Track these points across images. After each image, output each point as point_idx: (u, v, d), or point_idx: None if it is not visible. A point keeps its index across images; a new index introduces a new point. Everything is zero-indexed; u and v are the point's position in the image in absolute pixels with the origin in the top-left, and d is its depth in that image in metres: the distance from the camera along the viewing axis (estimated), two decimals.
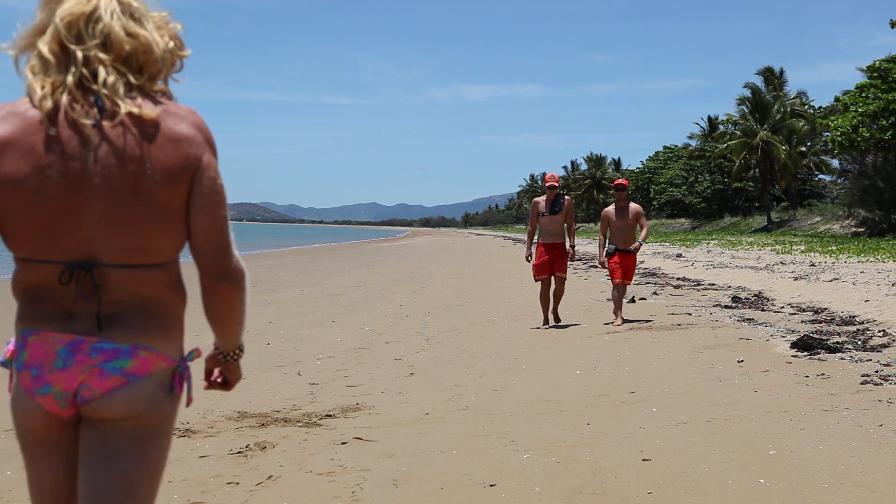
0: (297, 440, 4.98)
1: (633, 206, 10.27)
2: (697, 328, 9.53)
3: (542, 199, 10.16)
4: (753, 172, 61.23)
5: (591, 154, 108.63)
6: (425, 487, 4.08)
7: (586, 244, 38.80)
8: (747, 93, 55.59)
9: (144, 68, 1.72)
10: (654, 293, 14.08)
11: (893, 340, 8.09)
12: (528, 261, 10.27)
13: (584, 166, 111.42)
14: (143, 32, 1.71)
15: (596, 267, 22.75)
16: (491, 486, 4.07)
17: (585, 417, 5.42)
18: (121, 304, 1.71)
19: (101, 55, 1.66)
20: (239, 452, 4.68)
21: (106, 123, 1.65)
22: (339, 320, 11.18)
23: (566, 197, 10.10)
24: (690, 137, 76.70)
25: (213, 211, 1.73)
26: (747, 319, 10.22)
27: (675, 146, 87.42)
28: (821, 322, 9.82)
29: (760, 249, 25.96)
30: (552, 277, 10.02)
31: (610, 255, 10.20)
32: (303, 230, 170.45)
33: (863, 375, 6.44)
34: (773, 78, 59.62)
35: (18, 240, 1.68)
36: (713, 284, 15.85)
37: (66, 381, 1.68)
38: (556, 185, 10.10)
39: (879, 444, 4.57)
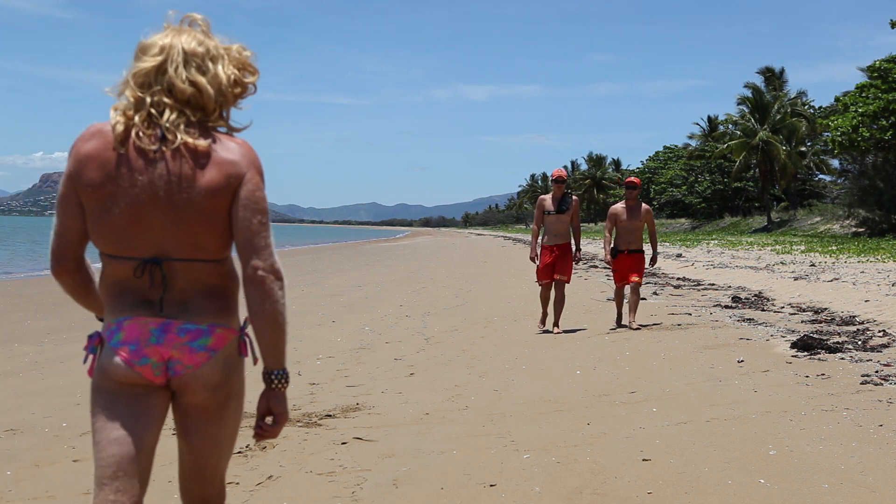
0: (297, 440, 4.98)
1: (644, 206, 9.95)
2: (697, 328, 9.53)
3: (548, 197, 9.71)
4: (753, 172, 61.22)
5: (591, 154, 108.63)
6: (425, 487, 4.08)
7: (586, 244, 38.79)
8: (747, 93, 55.58)
9: (204, 107, 2.12)
10: (655, 293, 14.08)
11: (893, 340, 8.08)
12: (534, 261, 9.82)
13: (584, 166, 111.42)
14: (201, 79, 2.10)
15: (596, 266, 22.75)
16: (491, 486, 4.07)
17: (585, 417, 5.42)
18: (190, 292, 2.11)
19: (166, 99, 2.08)
20: (239, 452, 4.68)
21: (166, 150, 2.06)
22: (339, 320, 11.18)
23: (574, 196, 9.71)
24: (690, 137, 76.71)
25: (250, 217, 2.09)
26: (747, 319, 10.22)
27: (675, 146, 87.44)
28: (821, 322, 9.82)
29: (760, 249, 25.96)
30: (554, 281, 9.57)
31: (612, 256, 9.94)
32: (303, 230, 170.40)
33: (863, 375, 6.43)
34: (773, 78, 59.61)
35: (103, 239, 2.09)
36: (713, 284, 15.85)
37: (159, 354, 2.08)
38: (564, 178, 9.64)
39: (879, 444, 4.56)
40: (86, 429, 5.34)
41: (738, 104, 56.21)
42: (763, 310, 11.36)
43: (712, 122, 73.28)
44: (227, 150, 2.11)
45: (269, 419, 2.26)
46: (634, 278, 9.80)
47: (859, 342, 8.08)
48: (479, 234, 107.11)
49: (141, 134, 2.06)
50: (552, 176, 9.77)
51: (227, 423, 2.23)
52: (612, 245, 10.04)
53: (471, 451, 4.69)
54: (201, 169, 2.06)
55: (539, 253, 9.73)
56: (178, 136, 2.06)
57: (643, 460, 4.40)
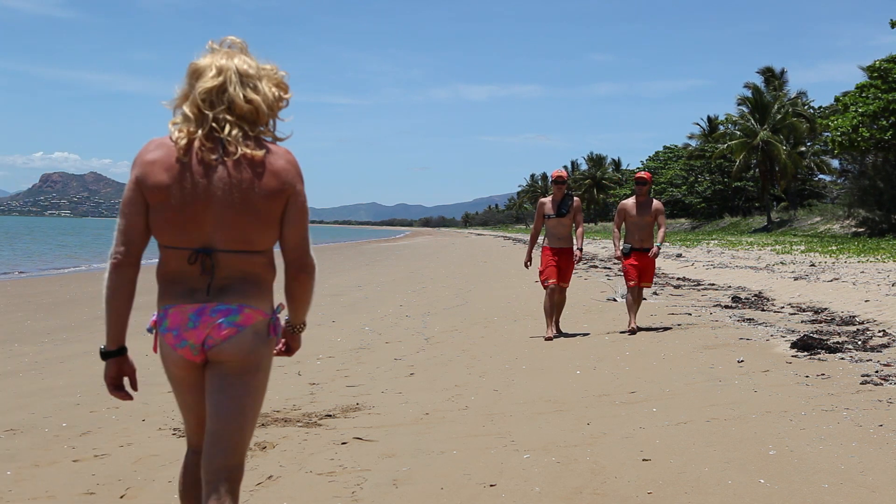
0: (297, 440, 4.98)
1: (655, 202, 9.67)
2: (697, 328, 9.53)
3: (548, 200, 9.47)
4: (753, 172, 61.19)
5: (591, 154, 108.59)
6: (425, 487, 4.08)
7: (586, 244, 38.79)
8: (747, 93, 55.52)
9: (257, 121, 2.46)
10: (655, 293, 14.08)
11: (893, 340, 8.09)
12: (527, 267, 9.76)
13: (584, 166, 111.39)
14: (257, 97, 2.44)
15: (596, 266, 22.75)
16: (491, 486, 4.07)
17: (585, 417, 5.42)
18: (231, 279, 2.45)
19: (227, 116, 2.42)
20: None
21: (227, 159, 2.41)
22: (339, 320, 11.18)
23: (575, 198, 9.47)
24: (690, 137, 76.58)
25: (300, 225, 2.51)
26: (747, 319, 10.22)
27: (675, 146, 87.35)
28: (821, 322, 9.82)
29: (760, 249, 25.96)
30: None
31: (625, 254, 9.61)
32: None
33: (863, 375, 6.43)
34: (773, 78, 59.55)
35: (162, 231, 2.43)
36: (713, 284, 15.85)
37: (196, 336, 2.44)
38: (564, 179, 9.36)
39: (879, 444, 4.57)
40: (85, 429, 5.35)
41: (738, 104, 56.15)
42: (763, 310, 11.36)
43: (712, 122, 73.17)
44: (278, 158, 2.46)
45: (281, 343, 2.74)
46: (646, 284, 9.66)
47: (859, 342, 8.08)
48: (479, 234, 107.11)
49: (203, 146, 2.40)
50: (552, 177, 9.52)
51: (251, 392, 2.49)
52: (623, 245, 9.70)
53: (471, 451, 4.69)
54: (259, 176, 2.42)
55: (541, 254, 9.54)
56: (239, 149, 2.40)
57: (643, 460, 4.40)
